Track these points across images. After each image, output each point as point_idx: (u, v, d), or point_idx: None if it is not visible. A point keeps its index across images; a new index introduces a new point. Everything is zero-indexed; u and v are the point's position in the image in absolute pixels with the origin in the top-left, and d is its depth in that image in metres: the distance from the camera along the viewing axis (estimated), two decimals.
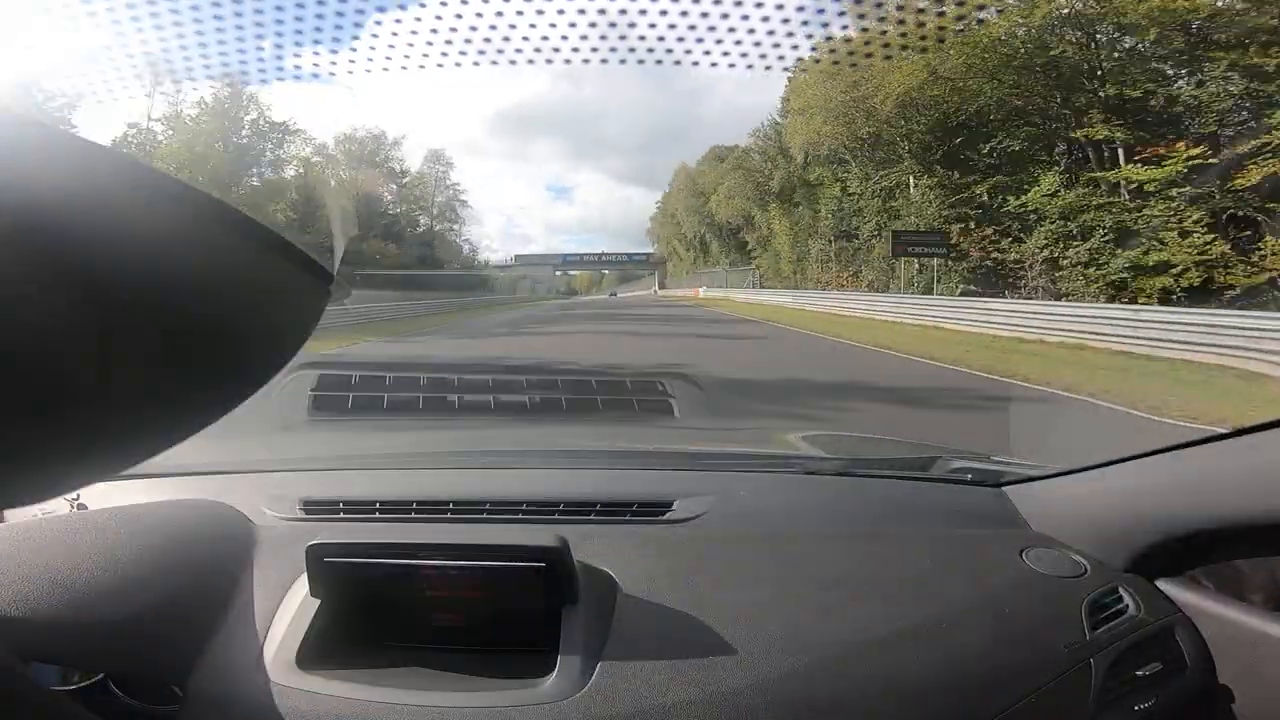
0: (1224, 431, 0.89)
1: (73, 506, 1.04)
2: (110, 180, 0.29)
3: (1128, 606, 0.95)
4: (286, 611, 0.88)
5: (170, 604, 0.83)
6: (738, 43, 0.83)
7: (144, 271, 0.30)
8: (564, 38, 0.79)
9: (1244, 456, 0.87)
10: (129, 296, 0.29)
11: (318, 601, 0.88)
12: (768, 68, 0.83)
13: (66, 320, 0.28)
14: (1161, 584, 0.99)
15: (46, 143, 0.27)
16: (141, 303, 0.30)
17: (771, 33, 0.79)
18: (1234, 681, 0.90)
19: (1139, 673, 0.89)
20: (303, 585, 0.89)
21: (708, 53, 0.89)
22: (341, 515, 1.12)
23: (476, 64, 0.76)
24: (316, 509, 1.11)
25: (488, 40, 0.76)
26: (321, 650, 0.84)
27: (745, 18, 0.81)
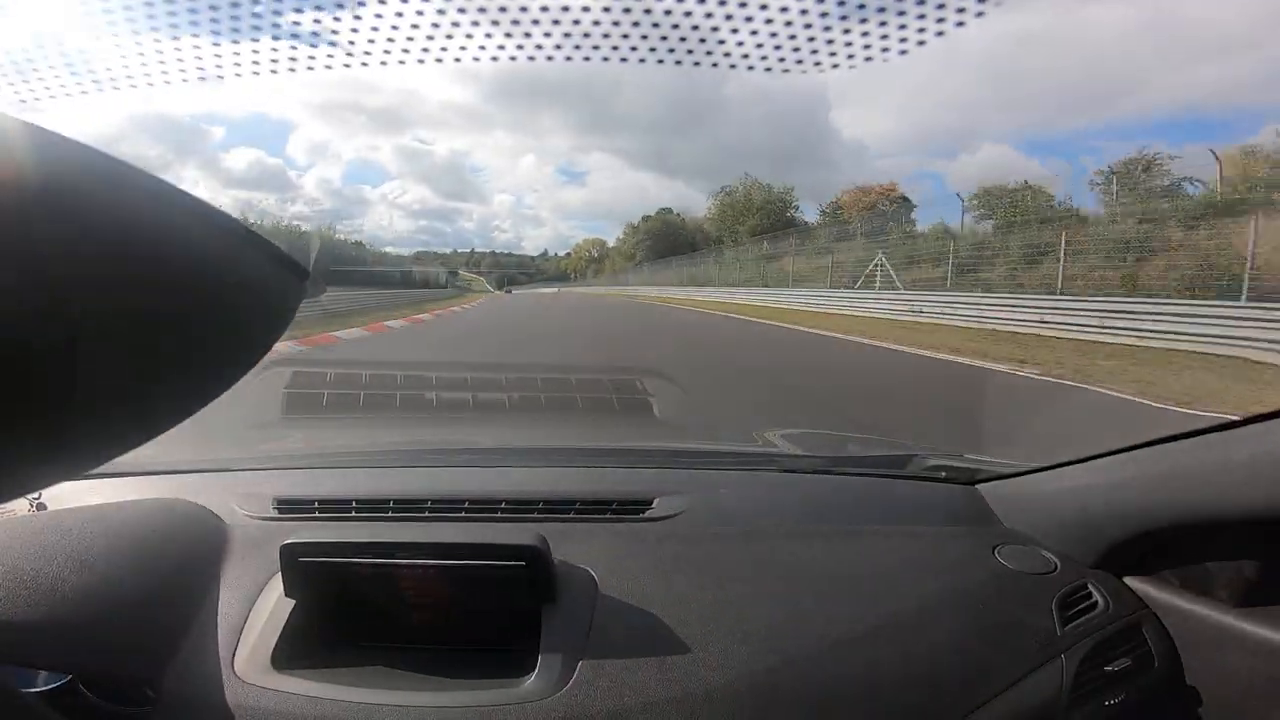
0: (1192, 429, 0.92)
1: (33, 506, 1.01)
2: (77, 173, 0.28)
3: (1097, 603, 0.97)
4: (261, 612, 0.86)
5: (141, 604, 0.82)
6: (758, 41, 0.81)
7: (112, 265, 0.29)
8: (585, 10, 0.76)
9: (1211, 454, 0.90)
10: (96, 291, 0.29)
11: (292, 602, 0.86)
12: (785, 70, 0.80)
13: (31, 315, 0.27)
14: (1129, 580, 1.01)
15: (8, 133, 0.26)
16: (110, 297, 0.29)
17: (793, 37, 0.78)
18: (1200, 677, 0.92)
19: (1108, 668, 0.91)
20: (277, 585, 0.87)
21: (726, 51, 0.85)
22: (316, 514, 1.10)
23: (490, 34, 0.73)
24: (291, 508, 1.10)
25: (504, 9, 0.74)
26: (297, 651, 0.83)
27: (764, 11, 0.78)
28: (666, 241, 46.59)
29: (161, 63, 0.77)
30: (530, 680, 0.79)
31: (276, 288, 0.38)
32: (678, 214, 52.05)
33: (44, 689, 0.74)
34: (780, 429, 1.92)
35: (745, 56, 0.81)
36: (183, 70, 0.78)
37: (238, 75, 0.78)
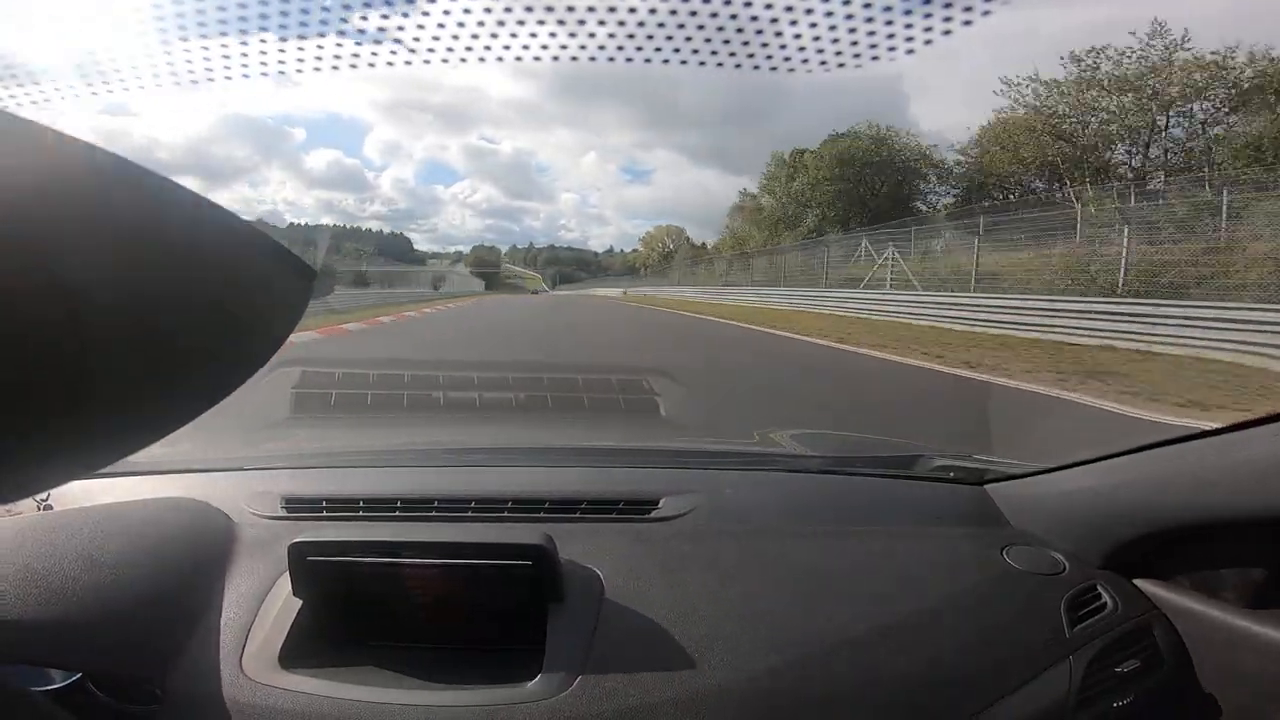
0: (1201, 430, 0.91)
1: (40, 505, 1.01)
2: (86, 173, 0.28)
3: (1106, 604, 0.96)
4: (268, 610, 0.87)
5: (149, 603, 0.82)
6: (816, 38, 0.79)
7: (121, 266, 0.29)
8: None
9: (1221, 455, 0.89)
10: (107, 292, 0.29)
11: (300, 601, 0.87)
12: (854, 65, 0.79)
13: (43, 316, 0.27)
14: (1139, 581, 1.00)
15: (16, 133, 0.27)
16: (120, 299, 0.29)
17: (872, 32, 0.76)
18: (1210, 679, 0.91)
19: (1117, 670, 0.91)
20: (285, 584, 0.88)
21: (786, 55, 0.83)
22: (324, 514, 1.10)
23: (555, 34, 0.74)
24: (298, 507, 1.10)
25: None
26: (304, 649, 0.83)
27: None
28: (870, 183, 22.97)
29: (227, 57, 0.81)
30: (536, 680, 0.79)
31: (285, 288, 0.38)
32: (886, 128, 25.11)
33: (54, 687, 0.74)
34: (788, 429, 1.91)
35: (803, 57, 0.79)
36: (246, 66, 0.81)
37: (299, 70, 0.81)
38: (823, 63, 0.81)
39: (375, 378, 2.09)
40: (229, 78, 0.82)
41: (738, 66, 0.81)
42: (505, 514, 1.11)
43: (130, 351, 0.31)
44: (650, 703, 0.77)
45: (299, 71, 0.81)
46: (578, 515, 1.10)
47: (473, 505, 1.11)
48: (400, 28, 0.79)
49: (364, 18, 0.79)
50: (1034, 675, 0.87)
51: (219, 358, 0.37)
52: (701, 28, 0.77)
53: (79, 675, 0.76)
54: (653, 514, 1.11)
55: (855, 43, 0.79)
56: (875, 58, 0.80)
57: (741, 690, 0.79)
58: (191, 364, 0.35)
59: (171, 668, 0.80)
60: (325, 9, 0.76)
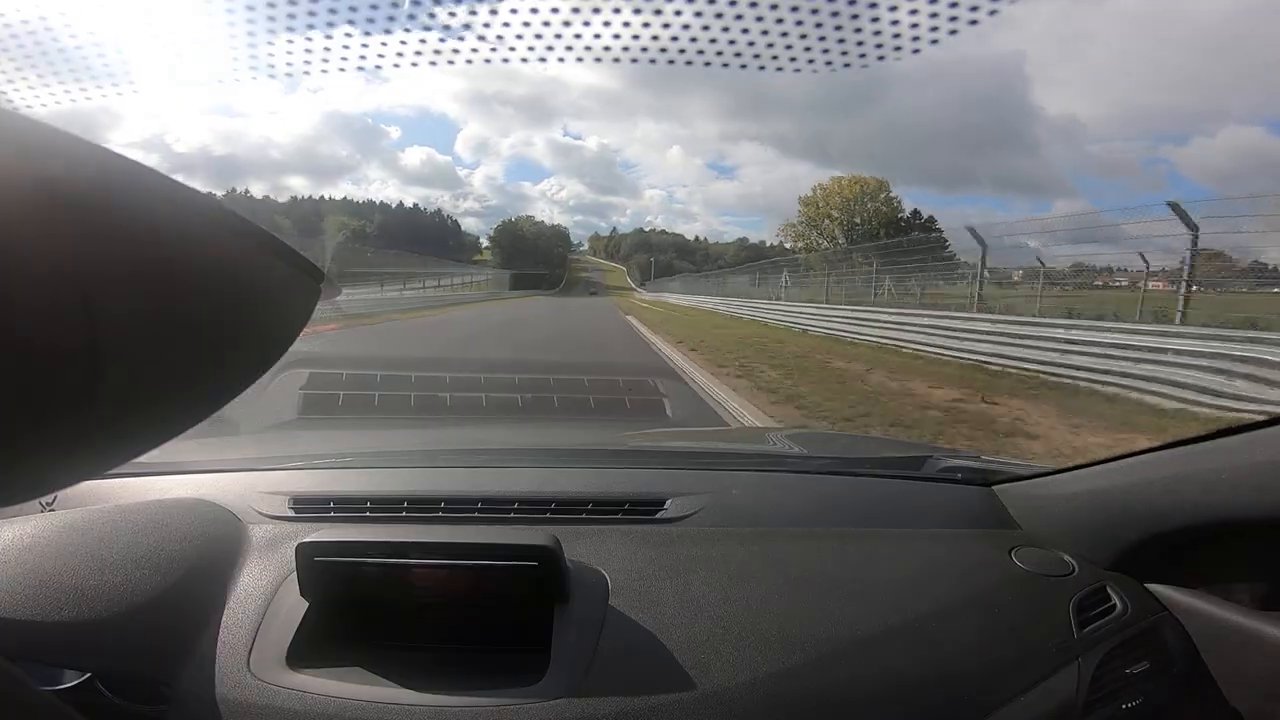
0: (1213, 431, 0.90)
1: (44, 507, 1.02)
2: (100, 177, 0.28)
3: (1115, 605, 0.96)
4: (276, 611, 0.87)
5: (158, 603, 0.83)
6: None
7: (134, 269, 0.30)
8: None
9: (1230, 457, 0.88)
10: (119, 294, 0.29)
11: (307, 601, 0.87)
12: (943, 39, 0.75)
13: (56, 318, 0.27)
14: (1148, 584, 1.00)
15: (33, 138, 0.27)
16: (132, 301, 0.30)
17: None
18: (1220, 679, 0.91)
19: (1127, 671, 0.90)
20: (292, 584, 0.88)
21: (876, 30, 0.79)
22: (332, 514, 1.11)
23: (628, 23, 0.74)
24: (306, 508, 1.11)
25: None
26: (311, 649, 0.83)
27: None
28: None
29: (327, 49, 0.84)
30: (542, 681, 0.79)
31: (294, 290, 0.39)
32: None
33: (63, 687, 0.75)
34: (793, 431, 1.91)
35: (894, 32, 0.74)
36: (345, 60, 0.84)
37: (396, 65, 0.83)
38: (915, 39, 0.77)
39: (382, 379, 2.10)
40: (325, 71, 0.84)
41: (832, 69, 0.79)
42: (512, 515, 1.11)
43: (139, 352, 0.31)
44: (656, 704, 0.77)
45: (396, 66, 0.83)
46: (584, 516, 1.10)
47: (479, 506, 1.11)
48: (487, 23, 0.81)
49: (452, 13, 0.81)
50: (1043, 677, 0.86)
51: (228, 359, 0.37)
52: (795, 16, 0.74)
53: (88, 675, 0.77)
54: (659, 515, 1.11)
55: (954, 9, 0.74)
56: (974, 20, 0.75)
57: (748, 692, 0.79)
58: (203, 365, 0.35)
59: (180, 668, 0.80)
60: (414, 1, 0.78)
